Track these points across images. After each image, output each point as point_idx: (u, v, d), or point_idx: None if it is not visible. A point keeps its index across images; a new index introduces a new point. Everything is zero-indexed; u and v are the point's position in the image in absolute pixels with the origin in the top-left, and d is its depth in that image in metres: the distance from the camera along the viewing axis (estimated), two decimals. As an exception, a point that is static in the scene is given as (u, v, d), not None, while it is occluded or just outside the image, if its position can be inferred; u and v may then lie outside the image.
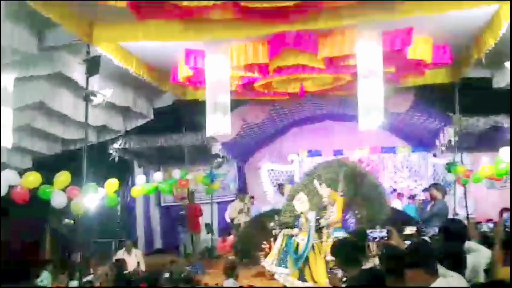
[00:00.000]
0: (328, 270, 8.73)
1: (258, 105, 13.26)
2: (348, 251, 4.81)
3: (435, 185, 10.64)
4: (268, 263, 9.75)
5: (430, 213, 9.68)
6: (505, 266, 4.54)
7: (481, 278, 4.67)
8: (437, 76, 11.40)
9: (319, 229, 9.52)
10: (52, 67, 8.73)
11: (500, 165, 9.78)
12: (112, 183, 9.43)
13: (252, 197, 14.80)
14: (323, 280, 8.90)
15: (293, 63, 9.56)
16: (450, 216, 10.38)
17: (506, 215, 11.11)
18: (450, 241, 4.70)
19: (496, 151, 10.06)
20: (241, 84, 10.93)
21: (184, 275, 8.93)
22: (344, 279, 5.07)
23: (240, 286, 8.07)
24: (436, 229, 8.34)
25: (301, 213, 9.57)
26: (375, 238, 5.51)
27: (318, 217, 9.62)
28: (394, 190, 15.04)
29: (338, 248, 5.06)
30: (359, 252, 4.93)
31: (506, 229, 5.70)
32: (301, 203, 9.72)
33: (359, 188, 10.53)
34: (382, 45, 8.77)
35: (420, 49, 9.32)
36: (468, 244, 4.92)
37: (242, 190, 15.78)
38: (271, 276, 9.87)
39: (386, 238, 5.30)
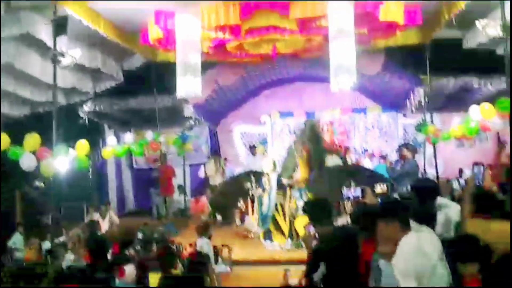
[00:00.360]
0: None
1: (230, 67, 13.24)
2: (319, 209, 4.92)
3: (405, 145, 10.87)
4: (251, 224, 9.98)
5: (401, 172, 9.92)
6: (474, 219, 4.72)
7: (452, 232, 4.87)
8: (408, 37, 11.50)
9: (283, 189, 9.66)
10: (19, 28, 8.57)
11: (471, 123, 9.94)
12: (83, 144, 9.38)
13: (225, 159, 14.91)
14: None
15: (265, 24, 9.55)
16: (419, 175, 10.66)
17: (476, 169, 11.44)
18: (422, 198, 4.85)
19: (466, 111, 10.21)
20: (212, 45, 10.88)
21: (157, 236, 9.02)
22: (317, 235, 5.21)
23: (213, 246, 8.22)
24: (407, 188, 8.62)
25: (266, 173, 9.74)
26: (349, 197, 5.68)
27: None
28: (366, 150, 15.30)
29: (310, 206, 5.18)
30: (330, 210, 5.06)
31: (478, 182, 5.91)
32: (267, 163, 9.90)
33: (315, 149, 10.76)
34: (354, 6, 8.81)
35: (391, 10, 9.37)
36: (439, 200, 5.10)
37: (215, 152, 15.87)
38: (245, 236, 10.08)
39: (360, 197, 5.45)
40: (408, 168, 9.86)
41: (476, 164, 11.81)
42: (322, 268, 4.48)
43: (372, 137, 15.97)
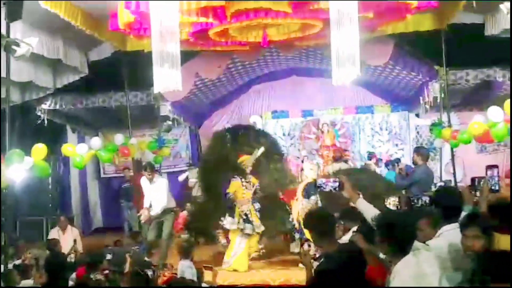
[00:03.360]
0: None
1: (214, 58, 13.11)
2: (322, 223, 4.84)
3: (416, 149, 10.87)
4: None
5: (409, 180, 9.89)
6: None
7: None
8: (421, 23, 11.47)
9: None
10: (-36, 11, 8.45)
11: (498, 125, 9.55)
12: (40, 148, 9.23)
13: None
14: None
15: (254, 7, 9.46)
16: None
17: (490, 173, 11.39)
18: (446, 212, 4.78)
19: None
20: (193, 32, 10.78)
21: (129, 257, 8.89)
22: (317, 255, 5.13)
23: (198, 268, 8.14)
24: (420, 198, 8.56)
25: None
26: (321, 187, 5.62)
27: None
28: (372, 155, 15.26)
29: (311, 219, 5.08)
30: (334, 224, 4.97)
31: (492, 187, 5.83)
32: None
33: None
34: (358, -15, 8.75)
35: (403, -10, 9.34)
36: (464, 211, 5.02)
37: (197, 157, 15.76)
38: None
39: (336, 189, 5.37)
40: (417, 176, 9.85)
41: (490, 167, 11.76)
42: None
43: (379, 140, 15.95)
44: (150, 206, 10.51)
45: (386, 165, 14.27)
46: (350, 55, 8.98)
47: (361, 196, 5.20)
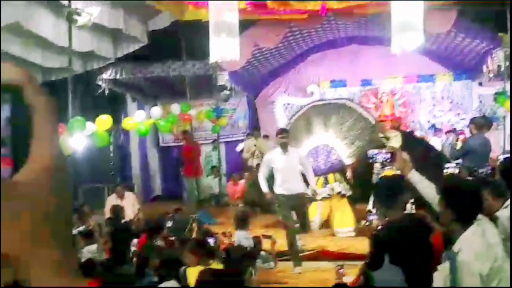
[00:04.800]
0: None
1: (272, 27, 13.03)
2: (390, 189, 4.78)
3: (472, 119, 10.67)
4: None
5: (461, 151, 9.71)
6: None
7: None
8: (486, -12, 11.16)
9: None
10: (27, -19, 8.60)
11: None
12: (104, 120, 9.42)
13: (266, 136, 14.84)
14: None
15: (314, -26, 9.36)
16: (496, 153, 10.39)
17: None
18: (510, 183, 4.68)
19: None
20: (251, 0, 10.73)
21: (190, 224, 9.05)
22: (379, 227, 5.09)
23: (254, 237, 8.19)
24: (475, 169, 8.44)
25: None
26: (373, 158, 5.53)
27: None
28: (433, 125, 15.00)
29: (380, 185, 5.03)
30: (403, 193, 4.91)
31: None
32: None
33: None
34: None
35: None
36: None
37: (254, 127, 15.80)
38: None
39: (389, 160, 5.28)
40: (468, 146, 9.64)
41: None
42: (385, 262, 4.38)
43: (441, 110, 15.65)
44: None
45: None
46: (412, 22, 8.83)
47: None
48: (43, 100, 0.65)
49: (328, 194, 10.15)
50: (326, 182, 10.32)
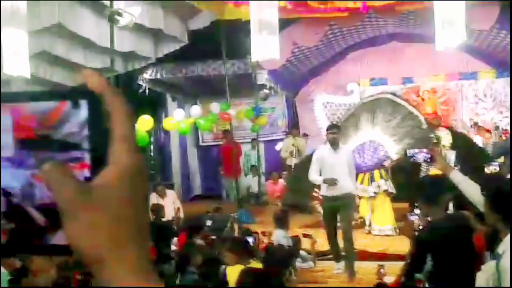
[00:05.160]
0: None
1: (312, 25, 13.00)
2: (432, 189, 4.72)
3: None
4: None
5: (502, 149, 9.56)
6: None
7: None
8: (531, -15, 10.92)
9: None
10: (69, -17, 8.72)
11: None
12: (146, 120, 9.49)
13: (306, 135, 14.80)
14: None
15: (355, -28, 9.30)
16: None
17: None
18: None
19: None
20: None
21: (230, 223, 9.08)
22: (420, 227, 5.04)
23: (292, 236, 8.18)
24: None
25: None
26: (413, 157, 5.45)
27: None
28: (475, 123, 14.76)
29: (423, 184, 4.98)
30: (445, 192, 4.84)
31: None
32: None
33: None
34: None
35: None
36: None
37: (293, 126, 15.77)
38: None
39: (429, 159, 5.20)
40: (507, 144, 9.48)
41: None
42: (428, 263, 4.34)
43: (484, 107, 15.39)
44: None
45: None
46: (455, 19, 8.72)
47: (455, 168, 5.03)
48: (120, 105, 0.67)
49: (374, 192, 10.06)
50: (372, 179, 10.22)
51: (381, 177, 10.20)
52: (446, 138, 9.83)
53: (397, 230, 9.69)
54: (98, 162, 0.66)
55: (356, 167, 10.22)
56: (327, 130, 8.40)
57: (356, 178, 9.23)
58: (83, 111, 0.67)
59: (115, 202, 0.64)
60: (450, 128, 11.63)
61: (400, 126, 10.72)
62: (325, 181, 7.97)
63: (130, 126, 0.66)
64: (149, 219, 0.73)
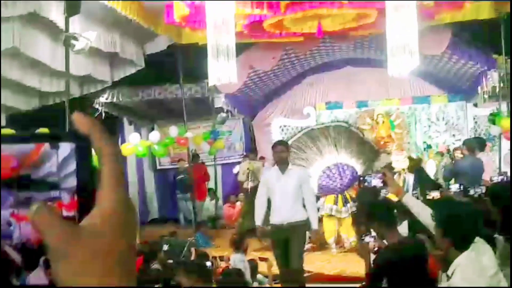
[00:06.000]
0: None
1: (268, 49, 13.11)
2: (388, 214, 4.78)
3: (464, 141, 10.80)
4: None
5: (451, 172, 9.76)
6: None
7: None
8: (479, 11, 11.21)
9: None
10: (25, 6, 8.60)
11: None
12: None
13: (263, 158, 14.84)
14: None
15: (309, -3, 9.42)
16: (490, 174, 10.41)
17: None
18: (501, 209, 4.65)
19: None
20: (247, 23, 10.78)
21: (187, 248, 9.01)
22: (376, 249, 5.08)
23: (250, 260, 8.16)
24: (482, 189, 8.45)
25: None
26: (367, 182, 5.51)
27: None
28: (429, 146, 15.02)
29: (377, 210, 5.02)
30: (396, 215, 4.91)
31: None
32: None
33: None
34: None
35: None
36: None
37: (250, 149, 15.80)
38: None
39: (382, 184, 5.28)
40: (458, 167, 9.72)
41: None
42: (383, 286, 4.38)
43: (436, 130, 15.67)
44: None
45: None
46: (407, 45, 8.86)
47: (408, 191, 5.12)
48: (108, 147, 0.68)
49: (349, 214, 10.23)
50: (346, 200, 10.38)
51: (351, 198, 10.38)
52: (403, 161, 9.99)
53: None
54: (86, 202, 0.67)
55: (329, 189, 10.39)
56: (273, 148, 7.43)
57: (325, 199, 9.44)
58: (62, 151, 0.67)
59: (104, 243, 0.65)
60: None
61: (361, 152, 10.98)
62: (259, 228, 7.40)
63: (117, 168, 0.67)
64: (136, 254, 0.74)
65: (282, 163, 7.20)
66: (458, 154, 11.83)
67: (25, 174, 0.67)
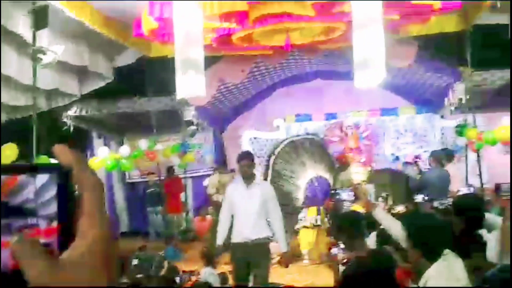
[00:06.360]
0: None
1: (237, 62, 13.13)
2: (356, 227, 4.81)
3: (431, 152, 10.94)
4: None
5: (417, 185, 9.86)
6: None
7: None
8: (445, 24, 11.38)
9: None
10: (-9, 20, 8.53)
11: None
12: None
13: (233, 170, 14.80)
14: None
15: (277, 11, 9.44)
16: (457, 185, 10.53)
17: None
18: (466, 221, 4.72)
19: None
20: (216, 37, 10.79)
21: (157, 262, 8.93)
22: (345, 261, 5.11)
23: (220, 273, 8.14)
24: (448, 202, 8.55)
25: None
26: (338, 195, 5.58)
27: None
28: (397, 157, 15.15)
29: (344, 222, 5.05)
30: (363, 228, 4.95)
31: None
32: None
33: None
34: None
35: (427, -9, 9.24)
36: (488, 218, 4.92)
37: (220, 162, 15.79)
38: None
39: (353, 197, 5.35)
40: (425, 179, 9.81)
41: None
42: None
43: (404, 142, 15.82)
44: None
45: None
46: (374, 58, 8.93)
47: (379, 205, 5.16)
48: (89, 179, 0.68)
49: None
50: (326, 212, 10.51)
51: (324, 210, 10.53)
52: (362, 173, 10.16)
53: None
54: (66, 228, 0.67)
55: (313, 200, 10.47)
56: (238, 160, 6.94)
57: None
58: (39, 178, 0.68)
59: (84, 277, 0.66)
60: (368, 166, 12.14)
61: (327, 164, 11.18)
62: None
63: (98, 200, 0.68)
64: (118, 283, 0.74)
65: (247, 177, 6.77)
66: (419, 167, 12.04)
67: (2, 201, 0.67)
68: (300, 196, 11.38)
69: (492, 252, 4.46)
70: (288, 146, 11.72)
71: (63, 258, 0.66)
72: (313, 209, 10.79)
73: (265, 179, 11.76)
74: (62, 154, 0.70)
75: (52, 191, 0.68)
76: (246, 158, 6.93)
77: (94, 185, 0.69)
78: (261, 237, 6.60)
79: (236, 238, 6.75)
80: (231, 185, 7.27)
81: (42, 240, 0.67)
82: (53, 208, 0.68)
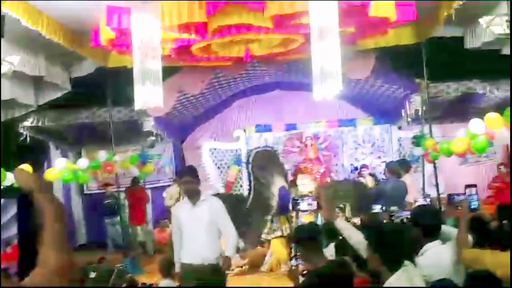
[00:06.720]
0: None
1: (196, 73, 13.11)
2: (313, 238, 4.81)
3: (387, 164, 11.09)
4: None
5: (374, 195, 9.97)
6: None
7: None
8: (402, 36, 11.53)
9: None
10: None
11: (479, 138, 9.51)
12: (25, 170, 9.14)
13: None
14: None
15: (236, 22, 9.46)
16: (414, 196, 10.66)
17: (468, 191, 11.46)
18: (424, 230, 4.77)
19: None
20: (175, 47, 10.76)
21: (115, 275, 8.80)
22: (304, 272, 5.11)
23: (178, 285, 8.06)
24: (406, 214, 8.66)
25: None
26: (298, 205, 5.56)
27: None
28: (356, 168, 15.27)
29: (301, 233, 5.04)
30: (321, 240, 4.97)
31: (471, 206, 5.77)
32: None
33: None
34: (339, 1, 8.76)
35: (382, 5, 9.33)
36: (443, 230, 4.98)
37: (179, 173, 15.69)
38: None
39: (315, 207, 5.35)
40: (378, 190, 9.94)
41: (468, 186, 11.73)
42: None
43: (363, 153, 15.95)
44: None
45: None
46: (331, 70, 8.98)
47: (340, 215, 5.20)
48: (50, 207, 0.67)
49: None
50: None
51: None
52: (309, 184, 10.31)
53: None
54: (27, 250, 0.65)
55: (284, 210, 10.49)
56: (180, 177, 6.49)
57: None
58: (14, 209, 0.66)
59: None
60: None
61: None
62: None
63: (59, 228, 0.66)
64: None
65: (191, 195, 6.33)
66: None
67: None
68: (274, 203, 11.40)
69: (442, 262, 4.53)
70: (261, 155, 11.88)
71: (24, 283, 0.65)
72: (283, 218, 10.84)
73: (249, 185, 12.14)
74: (23, 178, 0.68)
75: (10, 214, 0.66)
76: (187, 174, 6.50)
77: (55, 214, 0.68)
78: (210, 259, 6.21)
79: (184, 259, 6.43)
80: (177, 204, 6.97)
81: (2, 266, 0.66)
82: (12, 231, 0.66)
